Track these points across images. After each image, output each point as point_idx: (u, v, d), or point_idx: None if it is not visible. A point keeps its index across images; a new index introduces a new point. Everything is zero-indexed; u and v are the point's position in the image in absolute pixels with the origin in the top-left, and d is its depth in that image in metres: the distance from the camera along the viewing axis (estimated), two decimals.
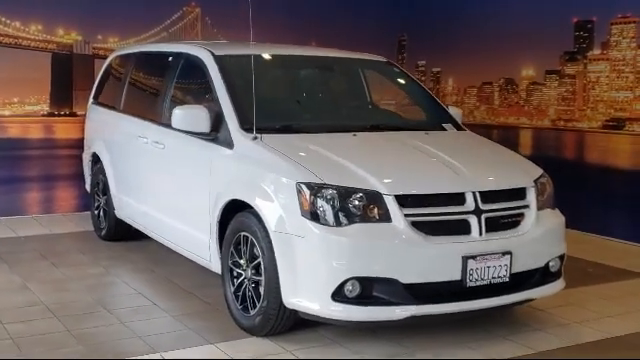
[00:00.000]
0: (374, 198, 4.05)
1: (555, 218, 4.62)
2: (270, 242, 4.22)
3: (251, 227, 4.40)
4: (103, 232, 6.97)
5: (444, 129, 5.35)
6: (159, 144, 5.58)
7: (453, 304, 4.11)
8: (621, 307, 5.27)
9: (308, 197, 4.07)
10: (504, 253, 4.19)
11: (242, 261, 4.55)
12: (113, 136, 6.69)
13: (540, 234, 4.41)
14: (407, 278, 3.99)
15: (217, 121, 4.89)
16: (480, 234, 4.16)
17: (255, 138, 4.60)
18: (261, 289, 4.38)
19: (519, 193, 4.46)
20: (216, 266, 4.93)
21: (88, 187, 7.56)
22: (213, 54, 5.31)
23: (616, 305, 5.31)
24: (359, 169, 4.22)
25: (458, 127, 5.45)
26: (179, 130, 5.02)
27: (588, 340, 4.58)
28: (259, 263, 4.37)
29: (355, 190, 4.06)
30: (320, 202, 4.05)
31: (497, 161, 4.85)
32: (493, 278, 4.17)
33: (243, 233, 4.50)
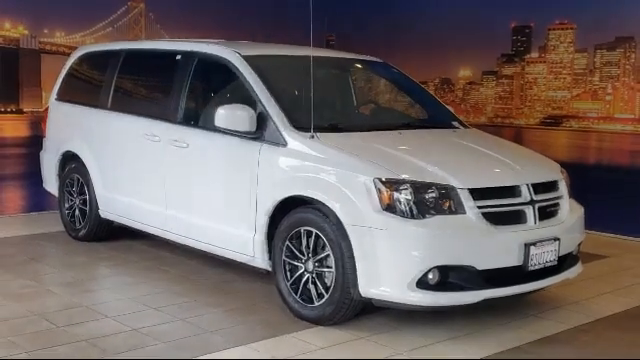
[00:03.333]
0: (448, 192, 4.40)
1: (579, 207, 5.17)
2: (344, 236, 4.44)
3: (317, 222, 4.60)
4: (81, 232, 6.84)
5: (455, 127, 5.76)
6: (180, 142, 5.61)
7: (517, 286, 4.54)
8: (608, 285, 5.91)
9: (387, 192, 4.35)
10: (554, 239, 4.67)
11: (301, 255, 4.73)
12: (100, 134, 6.58)
13: (573, 221, 4.94)
14: (482, 265, 4.37)
15: (260, 120, 5.03)
16: (535, 222, 4.61)
17: (312, 137, 4.80)
18: (327, 280, 4.60)
19: (554, 185, 4.96)
20: (261, 262, 5.07)
21: (51, 187, 7.37)
22: (241, 55, 5.43)
23: (604, 284, 5.95)
24: (428, 165, 4.55)
25: (463, 125, 5.89)
26: (220, 129, 5.10)
27: (607, 314, 5.15)
28: (326, 256, 4.58)
29: (431, 184, 4.39)
30: (399, 196, 4.34)
31: (527, 156, 5.33)
32: (546, 262, 4.64)
33: (305, 228, 4.69)
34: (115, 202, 6.42)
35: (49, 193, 7.53)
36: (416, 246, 4.27)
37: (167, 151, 5.73)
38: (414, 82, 6.35)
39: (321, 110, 5.14)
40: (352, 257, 4.42)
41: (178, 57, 5.94)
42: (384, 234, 4.32)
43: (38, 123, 7.77)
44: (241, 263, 5.31)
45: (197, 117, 5.71)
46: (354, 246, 4.41)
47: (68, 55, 7.67)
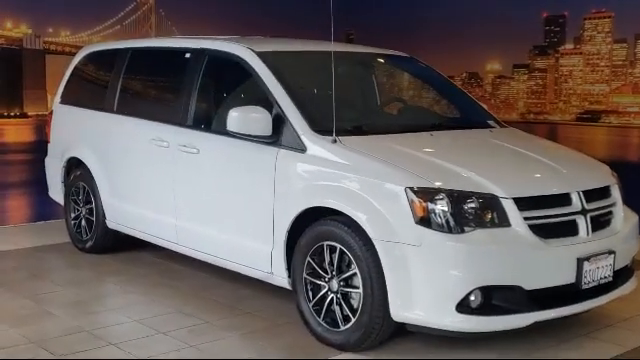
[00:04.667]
0: (491, 202, 3.89)
1: (633, 215, 4.64)
2: (373, 252, 3.96)
3: (341, 236, 4.11)
4: (88, 244, 6.39)
5: (490, 126, 5.25)
6: (190, 148, 5.14)
7: (569, 307, 4.03)
8: None
9: (422, 203, 3.85)
10: (609, 252, 4.15)
11: (324, 272, 4.26)
12: (106, 140, 6.13)
13: (628, 231, 4.41)
14: (530, 284, 3.86)
15: (277, 123, 4.56)
16: (588, 234, 4.10)
17: (335, 141, 4.31)
18: (354, 302, 4.12)
19: (606, 191, 4.44)
20: (280, 278, 4.60)
21: (56, 195, 6.95)
22: (255, 51, 4.95)
23: None
24: (466, 171, 4.04)
25: (499, 123, 5.37)
26: (233, 134, 4.63)
27: None
28: (352, 275, 4.10)
29: (471, 194, 3.88)
30: (435, 208, 3.84)
31: (575, 159, 4.80)
32: (601, 279, 4.12)
33: (328, 242, 4.21)
34: (122, 212, 5.96)
35: (55, 201, 7.10)
36: (455, 264, 3.77)
37: (176, 157, 5.27)
38: (444, 78, 5.83)
39: (343, 111, 4.66)
40: (382, 276, 3.93)
41: (187, 55, 5.47)
42: (418, 250, 3.82)
43: (43, 127, 7.35)
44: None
45: (208, 120, 5.24)
46: (384, 264, 3.91)
47: (74, 55, 7.24)
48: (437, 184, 3.90)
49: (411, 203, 3.87)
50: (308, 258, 4.33)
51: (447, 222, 3.83)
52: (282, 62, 4.96)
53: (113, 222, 6.11)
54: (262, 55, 4.92)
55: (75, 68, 6.85)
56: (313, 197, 4.31)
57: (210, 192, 5.04)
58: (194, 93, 5.27)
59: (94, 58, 6.78)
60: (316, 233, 4.28)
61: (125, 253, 6.38)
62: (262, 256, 4.65)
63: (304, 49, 5.44)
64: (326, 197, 4.23)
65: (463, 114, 5.49)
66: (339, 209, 4.14)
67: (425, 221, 3.84)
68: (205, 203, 5.10)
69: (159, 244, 5.72)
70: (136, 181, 5.78)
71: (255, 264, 4.74)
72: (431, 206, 3.84)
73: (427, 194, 3.86)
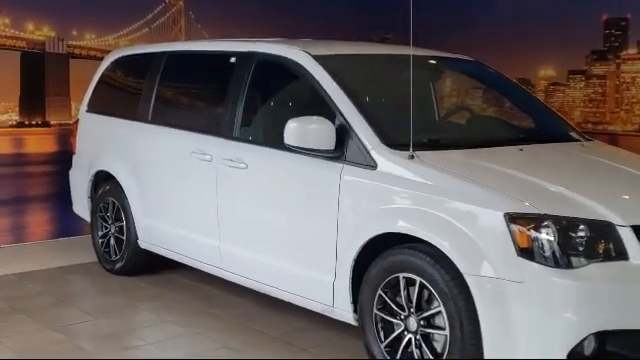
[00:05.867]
0: (605, 230, 3.31)
1: None
2: (463, 288, 3.39)
3: (422, 268, 3.55)
4: (117, 265, 5.85)
5: (576, 139, 4.67)
6: (237, 162, 4.59)
7: None
8: None
9: (524, 232, 3.27)
10: None
11: (400, 309, 3.69)
12: (140, 152, 5.59)
13: None
14: None
15: (340, 135, 4.00)
16: None
17: (412, 157, 3.74)
18: (437, 345, 3.55)
19: None
20: (343, 313, 4.04)
21: (81, 210, 6.42)
22: (312, 55, 4.40)
23: None
24: (572, 193, 3.47)
25: (582, 136, 4.79)
26: (290, 147, 4.08)
27: None
28: (435, 313, 3.53)
29: (582, 221, 3.30)
30: (540, 237, 3.26)
31: None
32: None
33: (405, 274, 3.64)
34: (158, 232, 5.42)
35: (79, 217, 6.57)
36: (567, 306, 3.19)
37: (221, 173, 4.72)
38: (515, 84, 5.25)
39: (419, 122, 4.09)
40: (474, 316, 3.36)
41: (232, 60, 4.92)
42: (521, 288, 3.24)
43: (67, 137, 6.81)
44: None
45: (257, 132, 4.72)
46: (478, 302, 3.34)
47: (100, 60, 6.73)
48: (540, 209, 3.32)
49: (511, 231, 3.29)
50: (379, 291, 3.77)
51: (553, 254, 3.26)
52: (343, 67, 4.41)
53: (146, 242, 5.57)
54: (321, 59, 4.37)
55: (103, 74, 6.33)
56: (386, 222, 3.75)
57: (260, 212, 4.49)
58: (241, 102, 4.72)
59: (124, 63, 6.26)
60: (390, 263, 3.72)
61: (156, 275, 5.84)
62: (322, 287, 4.09)
63: (365, 52, 4.89)
64: (402, 222, 3.67)
65: (542, 125, 4.88)
66: (420, 236, 3.57)
67: (528, 253, 3.27)
68: (254, 224, 4.54)
69: (199, 268, 5.17)
70: (174, 198, 5.24)
71: (313, 295, 4.18)
72: (535, 235, 3.27)
73: (530, 221, 3.29)
